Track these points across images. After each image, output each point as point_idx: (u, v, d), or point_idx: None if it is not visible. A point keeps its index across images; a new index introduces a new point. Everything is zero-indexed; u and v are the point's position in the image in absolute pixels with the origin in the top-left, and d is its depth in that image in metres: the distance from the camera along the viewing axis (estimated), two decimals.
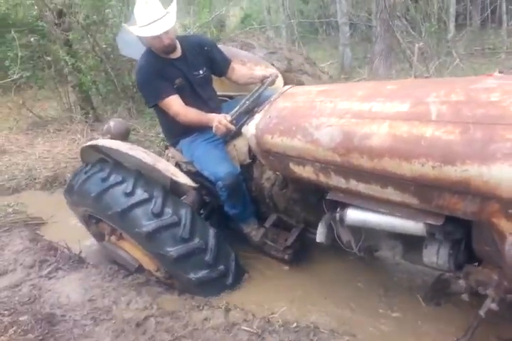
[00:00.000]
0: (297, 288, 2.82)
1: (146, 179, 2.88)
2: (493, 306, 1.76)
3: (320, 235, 2.43)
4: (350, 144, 1.91)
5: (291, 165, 2.32)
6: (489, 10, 9.29)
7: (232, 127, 2.63)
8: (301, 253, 3.05)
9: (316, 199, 2.59)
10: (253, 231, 3.02)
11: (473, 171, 1.51)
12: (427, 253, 1.98)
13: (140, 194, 2.74)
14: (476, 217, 1.66)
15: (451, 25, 9.16)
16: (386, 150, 1.77)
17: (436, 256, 1.94)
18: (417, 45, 5.89)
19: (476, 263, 1.95)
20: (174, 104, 2.87)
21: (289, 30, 12.47)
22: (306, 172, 2.24)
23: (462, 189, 1.58)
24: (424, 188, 1.72)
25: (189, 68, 2.99)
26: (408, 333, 2.33)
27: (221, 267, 2.79)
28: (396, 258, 2.20)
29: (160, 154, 3.81)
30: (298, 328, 2.36)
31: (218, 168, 2.81)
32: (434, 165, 1.61)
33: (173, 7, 2.80)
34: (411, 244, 2.13)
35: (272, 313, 2.55)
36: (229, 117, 2.62)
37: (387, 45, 6.82)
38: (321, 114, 2.15)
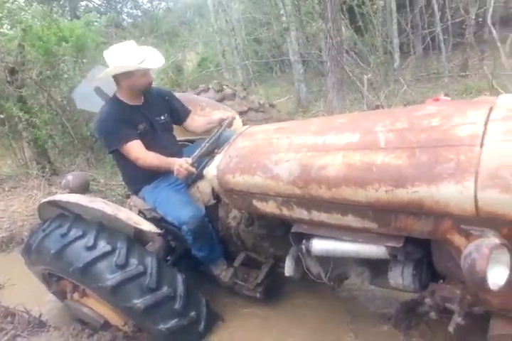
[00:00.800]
0: (271, 327, 2.82)
1: (108, 230, 2.80)
2: (459, 320, 1.81)
3: (288, 268, 2.44)
4: (308, 176, 1.99)
5: (255, 202, 2.36)
6: (429, 39, 10.23)
7: (194, 170, 2.66)
8: (274, 289, 3.03)
9: (282, 233, 2.62)
10: (222, 272, 2.98)
11: (423, 192, 1.61)
12: (393, 276, 2.03)
13: (102, 246, 2.66)
14: (432, 235, 1.74)
15: (396, 55, 9.96)
16: (342, 179, 1.86)
17: (401, 278, 1.99)
18: (365, 77, 6.33)
19: (441, 281, 2.00)
20: (135, 148, 2.89)
21: (245, 70, 13.11)
22: (269, 207, 2.29)
23: (415, 210, 1.67)
24: (381, 212, 1.81)
25: (152, 113, 3.07)
26: None
27: (192, 314, 2.70)
28: (365, 283, 2.24)
29: (122, 203, 3.76)
30: None
31: (181, 212, 2.80)
32: (387, 189, 1.70)
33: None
34: (377, 268, 2.18)
35: None
36: (190, 160, 2.66)
37: (338, 79, 7.28)
38: (278, 150, 2.24)
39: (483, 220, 1.53)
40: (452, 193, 1.54)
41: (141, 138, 2.94)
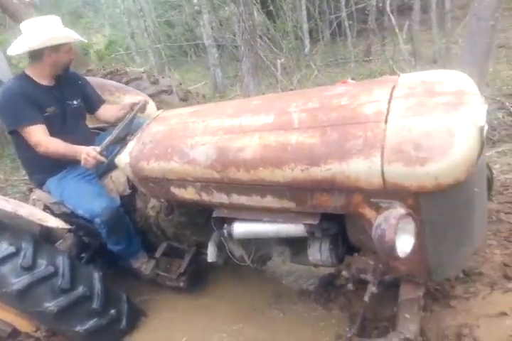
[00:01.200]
0: (197, 318, 2.81)
1: (10, 230, 2.54)
2: (374, 289, 1.95)
3: (211, 254, 2.43)
4: (226, 159, 1.97)
5: (173, 189, 2.29)
6: (335, 24, 10.76)
7: (103, 159, 2.48)
8: (198, 277, 3.01)
9: (204, 220, 2.59)
10: (143, 264, 2.87)
11: (335, 169, 1.67)
12: (311, 252, 2.11)
13: (4, 249, 2.42)
14: (345, 210, 1.82)
15: (307, 41, 10.36)
16: (259, 160, 1.86)
17: (319, 253, 2.08)
18: (279, 61, 6.46)
19: (356, 254, 2.12)
20: (37, 132, 2.62)
21: (157, 54, 12.61)
22: (188, 193, 2.23)
23: (329, 186, 1.73)
24: (298, 191, 1.85)
25: (64, 97, 2.83)
26: (306, 330, 2.47)
27: (112, 312, 2.60)
28: (286, 262, 2.30)
29: (26, 200, 3.42)
30: None
31: (93, 203, 2.62)
32: (302, 168, 1.74)
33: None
34: (297, 246, 2.25)
35: None
36: (98, 149, 2.48)
37: (252, 63, 7.35)
38: (194, 133, 2.18)
39: (390, 193, 1.63)
40: (361, 168, 1.61)
41: (48, 123, 2.68)
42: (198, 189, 2.16)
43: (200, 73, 11.91)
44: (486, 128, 1.59)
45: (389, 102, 1.71)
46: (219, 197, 2.12)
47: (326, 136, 1.74)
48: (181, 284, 2.82)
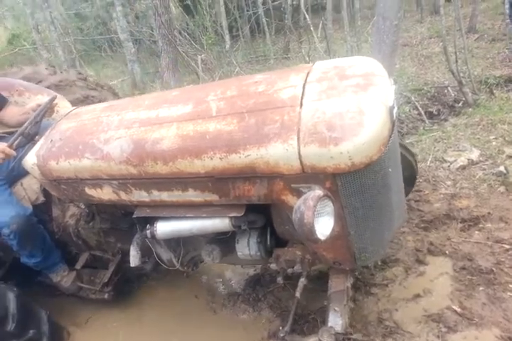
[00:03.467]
0: (126, 330, 2.76)
1: None
2: (304, 280, 2.03)
3: (134, 259, 2.34)
4: (143, 152, 1.92)
5: (88, 190, 2.20)
6: (253, 19, 11.05)
7: (12, 152, 2.35)
8: (125, 287, 2.95)
9: (128, 225, 2.51)
10: (64, 278, 2.73)
11: (254, 155, 1.70)
12: (240, 247, 2.12)
13: None
14: (268, 198, 1.85)
15: (227, 37, 10.51)
16: (177, 151, 1.84)
17: (247, 248, 2.09)
18: (199, 57, 6.47)
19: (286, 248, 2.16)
20: None
21: (67, 49, 12.05)
22: (105, 194, 2.15)
23: (250, 174, 1.75)
24: (219, 182, 1.85)
25: None
26: (237, 333, 2.51)
27: (31, 332, 2.46)
28: (216, 261, 2.28)
29: None
30: None
31: (1, 212, 2.46)
32: (221, 156, 1.75)
33: None
34: (226, 245, 2.25)
35: None
36: (5, 144, 2.36)
37: (172, 59, 7.32)
38: (108, 128, 2.11)
39: (309, 176, 1.68)
40: (279, 152, 1.65)
41: None
42: (115, 187, 2.09)
43: (118, 69, 11.60)
44: (395, 109, 1.72)
45: (303, 87, 1.78)
46: (139, 195, 2.07)
47: (244, 122, 1.77)
48: (106, 296, 2.73)
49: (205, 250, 2.30)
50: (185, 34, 8.71)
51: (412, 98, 5.67)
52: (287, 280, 2.43)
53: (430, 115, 5.58)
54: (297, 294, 2.08)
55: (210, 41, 8.41)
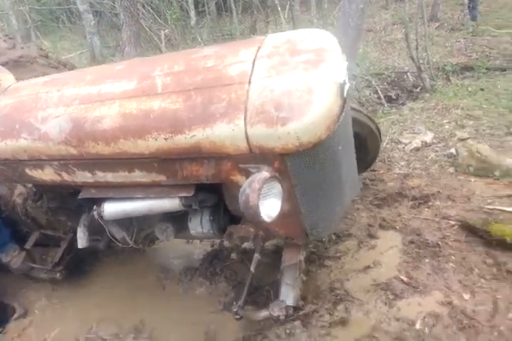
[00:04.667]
0: (78, 311, 2.68)
1: None
2: (258, 256, 1.98)
3: (81, 240, 2.25)
4: (82, 132, 1.79)
5: (28, 171, 2.05)
6: None
7: None
8: (78, 265, 2.87)
9: (76, 203, 2.38)
10: (13, 258, 2.60)
11: (200, 135, 1.61)
12: (192, 226, 2.06)
13: None
14: (217, 178, 1.78)
15: (192, 13, 10.09)
16: (119, 131, 1.72)
17: (200, 226, 2.04)
18: (163, 32, 6.18)
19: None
20: None
21: (22, 18, 11.28)
22: (46, 175, 2.02)
23: (196, 154, 1.67)
24: (166, 163, 1.76)
25: None
26: (193, 305, 2.52)
27: None
28: (170, 238, 2.23)
29: None
30: None
31: None
32: (166, 136, 1.65)
33: None
34: (180, 222, 2.18)
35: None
36: None
37: (134, 32, 6.97)
38: (47, 105, 1.94)
39: (257, 157, 1.61)
40: (226, 132, 1.57)
41: None
42: (56, 168, 1.96)
43: (76, 42, 11.02)
44: (347, 85, 1.63)
45: (253, 62, 1.67)
46: (82, 176, 1.94)
47: (191, 100, 1.66)
48: (58, 275, 2.63)
49: (159, 228, 2.23)
50: (149, 8, 8.29)
51: (373, 82, 5.69)
52: (244, 254, 2.42)
53: (389, 99, 5.65)
54: (252, 268, 2.07)
55: (174, 16, 8.06)
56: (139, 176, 1.85)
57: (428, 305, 2.04)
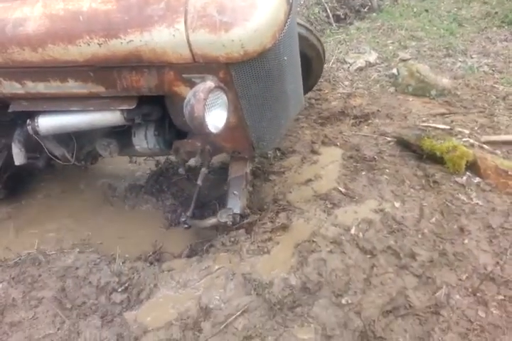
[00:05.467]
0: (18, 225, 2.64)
1: None
2: (205, 170, 1.99)
3: (17, 156, 2.11)
4: (4, 36, 1.58)
5: None
6: None
7: None
8: (18, 183, 2.76)
9: (8, 118, 2.18)
10: None
11: (137, 41, 1.48)
12: (137, 141, 1.99)
13: None
14: (160, 90, 1.69)
15: None
16: (46, 35, 1.53)
17: (145, 141, 1.98)
18: None
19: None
20: None
21: None
22: None
23: (135, 63, 1.55)
24: (103, 72, 1.62)
25: None
26: (141, 222, 2.55)
27: None
28: (114, 155, 2.16)
29: None
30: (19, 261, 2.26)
31: None
32: (100, 41, 1.50)
33: None
34: (123, 137, 2.09)
35: None
36: None
37: None
38: None
39: (201, 66, 1.53)
40: (166, 38, 1.45)
41: None
42: None
43: None
44: None
45: None
46: (10, 87, 1.76)
47: (124, 0, 1.48)
48: None
49: (101, 144, 2.14)
50: None
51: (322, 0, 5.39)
52: (190, 171, 2.40)
53: (337, 18, 5.46)
54: (199, 181, 2.08)
55: None
56: (74, 87, 1.71)
57: (363, 213, 2.19)
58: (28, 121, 1.89)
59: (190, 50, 1.46)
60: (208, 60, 1.49)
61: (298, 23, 2.14)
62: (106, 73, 1.63)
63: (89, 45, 1.51)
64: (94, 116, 1.82)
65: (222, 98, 1.53)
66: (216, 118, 1.53)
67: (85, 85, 1.69)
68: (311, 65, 2.78)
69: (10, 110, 1.88)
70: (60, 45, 1.53)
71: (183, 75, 1.58)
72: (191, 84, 1.59)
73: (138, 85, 1.66)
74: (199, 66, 1.52)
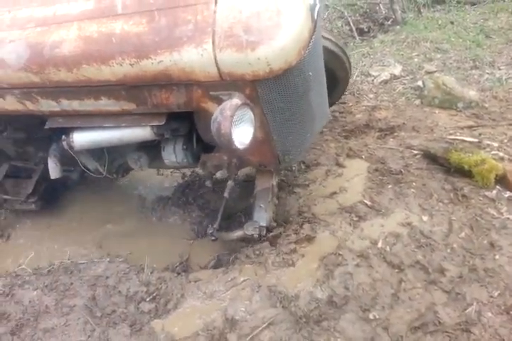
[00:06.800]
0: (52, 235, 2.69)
1: None
2: (231, 183, 1.97)
3: (53, 170, 2.16)
4: (42, 58, 1.62)
5: None
6: None
7: None
8: (53, 196, 2.81)
9: (45, 134, 2.24)
10: None
11: (167, 61, 1.48)
12: (166, 155, 2.00)
13: None
14: (188, 106, 1.69)
15: None
16: (81, 56, 1.57)
17: (174, 155, 1.98)
18: None
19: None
20: None
21: None
22: (9, 104, 1.87)
23: (165, 81, 1.56)
24: (134, 90, 1.65)
25: None
26: (168, 232, 2.56)
27: None
28: (144, 168, 2.18)
29: None
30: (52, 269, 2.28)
31: None
32: (131, 62, 1.52)
33: None
34: (153, 151, 2.11)
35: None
36: None
37: None
38: None
39: (228, 84, 1.52)
40: (194, 57, 1.45)
41: None
42: (18, 97, 1.81)
43: None
44: (318, 6, 1.50)
45: None
46: (47, 105, 1.81)
47: (154, 22, 1.50)
48: (33, 206, 2.58)
49: (132, 157, 2.17)
50: None
51: (345, 13, 5.35)
52: (216, 184, 2.40)
53: (361, 32, 5.39)
54: (225, 194, 2.06)
55: None
56: (106, 104, 1.74)
57: (389, 226, 2.12)
58: (63, 136, 1.93)
59: (218, 69, 1.46)
60: (235, 78, 1.48)
61: (323, 37, 2.12)
62: (137, 91, 1.65)
63: (121, 65, 1.53)
64: (125, 131, 1.85)
65: (248, 114, 1.52)
66: (242, 134, 1.52)
67: (117, 103, 1.72)
68: (336, 75, 2.74)
69: (46, 126, 1.93)
70: (94, 66, 1.56)
71: (211, 93, 1.58)
72: (218, 101, 1.58)
73: (167, 102, 1.67)
74: (226, 84, 1.52)
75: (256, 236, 1.99)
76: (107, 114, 1.80)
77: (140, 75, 1.55)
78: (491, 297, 1.80)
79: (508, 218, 2.12)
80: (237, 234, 2.03)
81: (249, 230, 1.98)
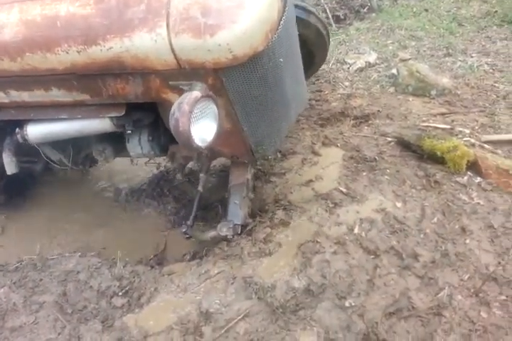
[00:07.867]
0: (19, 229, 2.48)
1: None
2: (203, 175, 1.77)
3: (9, 166, 1.89)
4: None
5: None
6: None
7: None
8: (17, 190, 2.57)
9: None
10: None
11: (117, 47, 1.24)
12: (131, 147, 1.77)
13: None
14: (147, 97, 1.45)
15: None
16: (23, 42, 1.30)
17: (139, 147, 1.75)
18: None
19: None
20: None
21: None
22: None
23: (119, 70, 1.31)
24: (86, 80, 1.39)
25: None
26: (143, 224, 2.38)
27: None
28: (109, 160, 1.95)
29: None
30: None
31: None
32: (78, 49, 1.26)
33: None
34: (119, 143, 1.86)
35: None
36: None
37: None
38: None
39: (188, 73, 1.29)
40: (147, 43, 1.21)
41: None
42: None
43: None
44: None
45: None
46: None
47: (104, 2, 1.24)
48: None
49: (96, 149, 1.92)
50: None
51: (322, 0, 5.06)
52: (191, 174, 2.19)
53: (337, 19, 5.13)
54: (199, 188, 1.87)
55: None
56: (58, 95, 1.48)
57: (364, 212, 2.00)
58: (17, 129, 1.68)
59: (175, 56, 1.22)
60: (195, 66, 1.25)
61: (296, 5, 1.86)
62: (90, 81, 1.40)
63: (67, 53, 1.27)
64: (83, 123, 1.60)
65: (210, 108, 1.29)
66: (204, 130, 1.29)
67: (70, 94, 1.47)
68: (313, 48, 2.53)
69: None
70: (39, 54, 1.30)
71: (170, 82, 1.34)
72: (179, 91, 1.34)
73: (124, 93, 1.43)
74: (186, 73, 1.28)
75: (230, 236, 1.81)
76: (61, 105, 1.54)
77: (89, 63, 1.30)
78: (462, 280, 1.70)
79: (479, 203, 2.02)
80: (211, 234, 1.84)
81: (223, 231, 1.79)
